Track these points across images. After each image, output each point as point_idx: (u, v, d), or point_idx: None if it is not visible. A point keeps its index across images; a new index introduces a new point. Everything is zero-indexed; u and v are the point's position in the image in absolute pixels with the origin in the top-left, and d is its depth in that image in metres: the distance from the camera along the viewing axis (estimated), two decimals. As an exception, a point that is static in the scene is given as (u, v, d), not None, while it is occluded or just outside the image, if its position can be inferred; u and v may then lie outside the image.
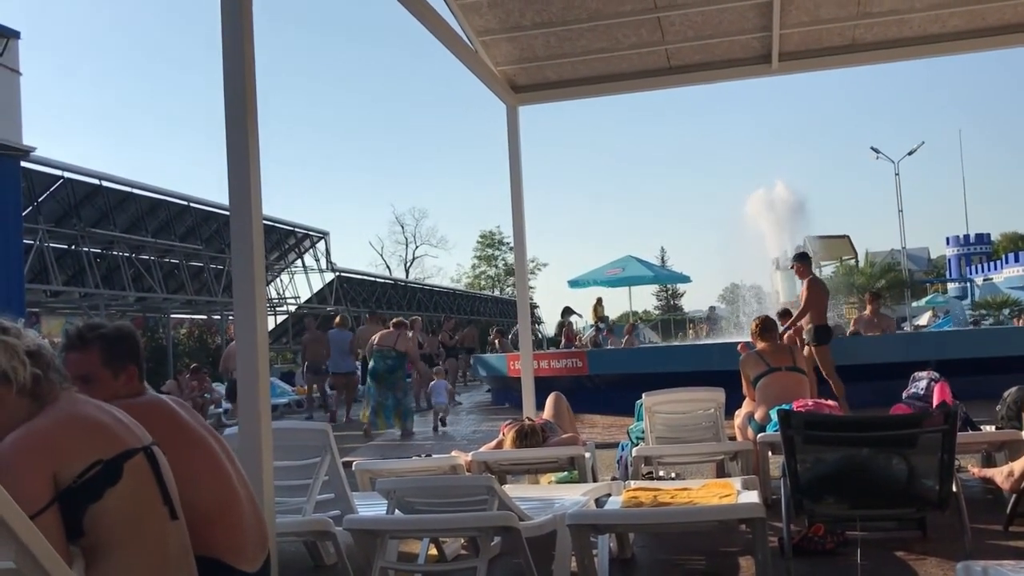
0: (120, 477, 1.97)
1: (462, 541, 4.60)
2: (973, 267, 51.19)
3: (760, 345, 6.11)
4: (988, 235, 55.61)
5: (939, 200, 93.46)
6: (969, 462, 5.68)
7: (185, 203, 21.98)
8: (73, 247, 19.01)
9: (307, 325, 15.71)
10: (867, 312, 12.29)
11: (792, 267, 10.00)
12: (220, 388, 17.62)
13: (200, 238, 22.89)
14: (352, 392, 14.10)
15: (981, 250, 53.25)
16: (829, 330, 9.65)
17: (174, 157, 73.67)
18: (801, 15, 6.72)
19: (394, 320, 11.97)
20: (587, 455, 5.41)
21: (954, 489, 3.70)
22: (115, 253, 20.10)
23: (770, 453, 5.34)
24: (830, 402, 5.45)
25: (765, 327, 6.15)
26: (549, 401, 6.32)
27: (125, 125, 76.50)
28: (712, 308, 29.63)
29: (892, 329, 12.97)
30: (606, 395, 10.67)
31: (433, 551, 4.30)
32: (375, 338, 11.21)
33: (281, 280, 29.32)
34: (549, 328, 32.83)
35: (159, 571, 2.05)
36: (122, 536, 1.97)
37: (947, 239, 55.28)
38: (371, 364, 11.03)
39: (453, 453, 5.74)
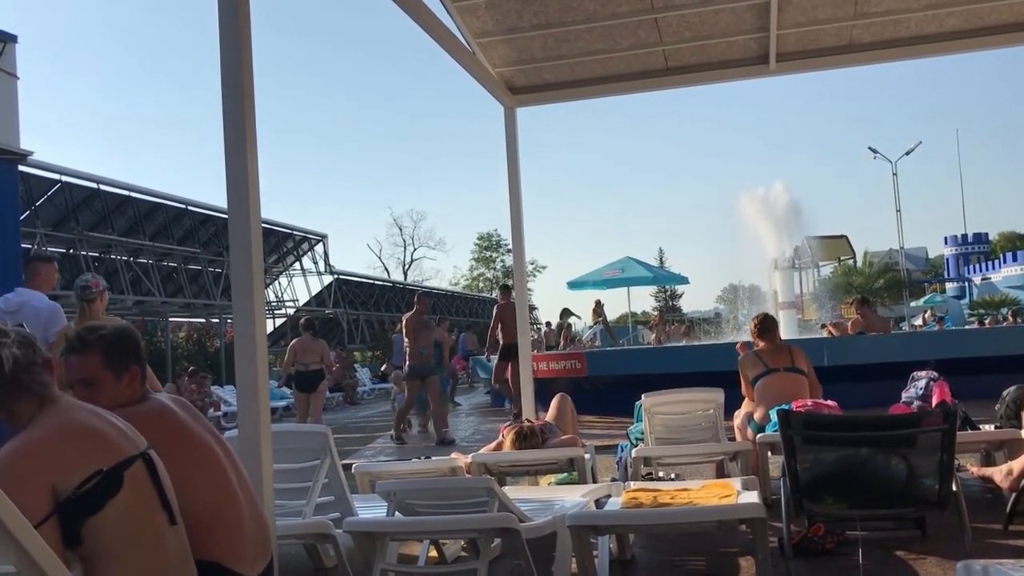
0: (120, 486, 1.95)
1: (462, 543, 4.60)
2: (971, 267, 51.24)
3: (759, 345, 6.09)
4: (986, 234, 55.67)
5: (937, 200, 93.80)
6: (968, 461, 5.68)
7: (183, 206, 21.94)
8: (71, 251, 18.99)
9: (419, 305, 11.20)
10: (861, 316, 12.62)
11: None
12: (219, 391, 17.64)
13: (198, 241, 22.86)
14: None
15: (979, 249, 53.30)
16: (509, 348, 10.97)
17: (172, 160, 73.70)
18: (798, 15, 6.72)
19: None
20: (586, 456, 5.41)
21: (953, 488, 3.70)
22: (113, 257, 20.09)
23: (769, 453, 5.34)
24: (829, 402, 5.44)
25: (764, 327, 6.08)
26: (554, 402, 6.29)
27: (123, 128, 76.55)
28: (718, 314, 29.78)
29: (888, 329, 13.51)
30: (605, 396, 10.66)
31: (433, 553, 4.30)
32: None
33: (280, 283, 29.37)
34: (548, 330, 32.71)
35: (159, 576, 2.03)
36: (121, 544, 1.95)
37: (945, 239, 55.35)
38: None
39: (453, 455, 5.74)
